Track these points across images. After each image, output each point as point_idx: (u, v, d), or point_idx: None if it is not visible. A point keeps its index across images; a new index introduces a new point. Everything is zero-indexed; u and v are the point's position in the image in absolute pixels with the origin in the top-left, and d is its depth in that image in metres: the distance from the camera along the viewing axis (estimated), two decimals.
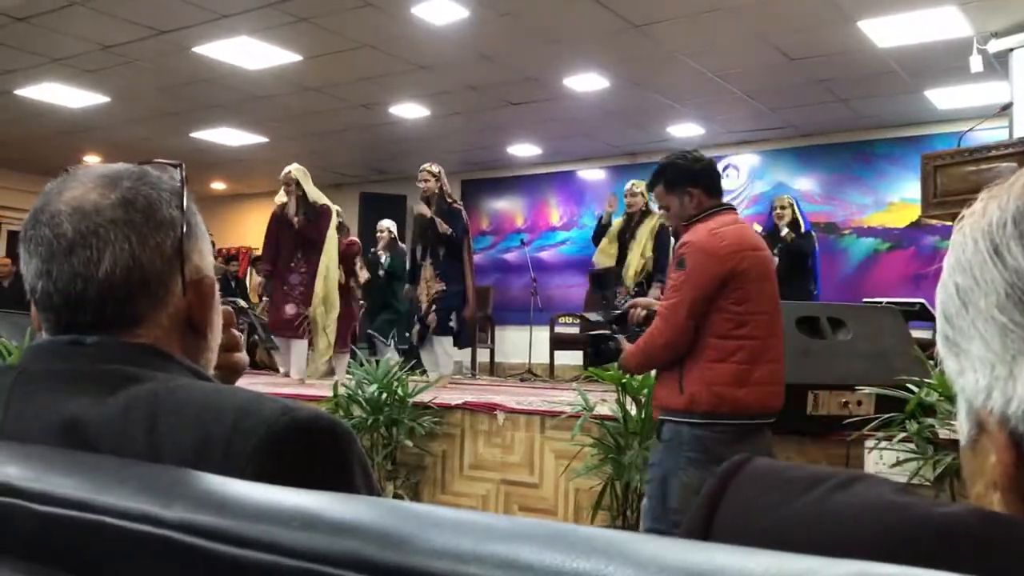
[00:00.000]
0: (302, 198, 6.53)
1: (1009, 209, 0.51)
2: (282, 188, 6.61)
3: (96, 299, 0.85)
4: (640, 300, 3.48)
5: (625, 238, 6.88)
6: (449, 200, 6.48)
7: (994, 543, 0.44)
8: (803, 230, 7.22)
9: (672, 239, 6.66)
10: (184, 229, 0.90)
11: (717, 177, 3.11)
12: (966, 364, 0.52)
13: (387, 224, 8.02)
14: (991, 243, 0.51)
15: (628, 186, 7.05)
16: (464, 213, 6.58)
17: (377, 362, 4.88)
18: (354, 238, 7.72)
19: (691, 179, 3.05)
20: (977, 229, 0.52)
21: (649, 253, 6.71)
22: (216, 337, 0.97)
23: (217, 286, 0.97)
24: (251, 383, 6.08)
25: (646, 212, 6.86)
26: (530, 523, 0.47)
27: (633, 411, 3.82)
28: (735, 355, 2.92)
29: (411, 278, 6.68)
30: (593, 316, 4.12)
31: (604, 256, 7.03)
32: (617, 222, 7.06)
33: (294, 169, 6.60)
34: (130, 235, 0.86)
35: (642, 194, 6.72)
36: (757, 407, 2.96)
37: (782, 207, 7.22)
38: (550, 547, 0.44)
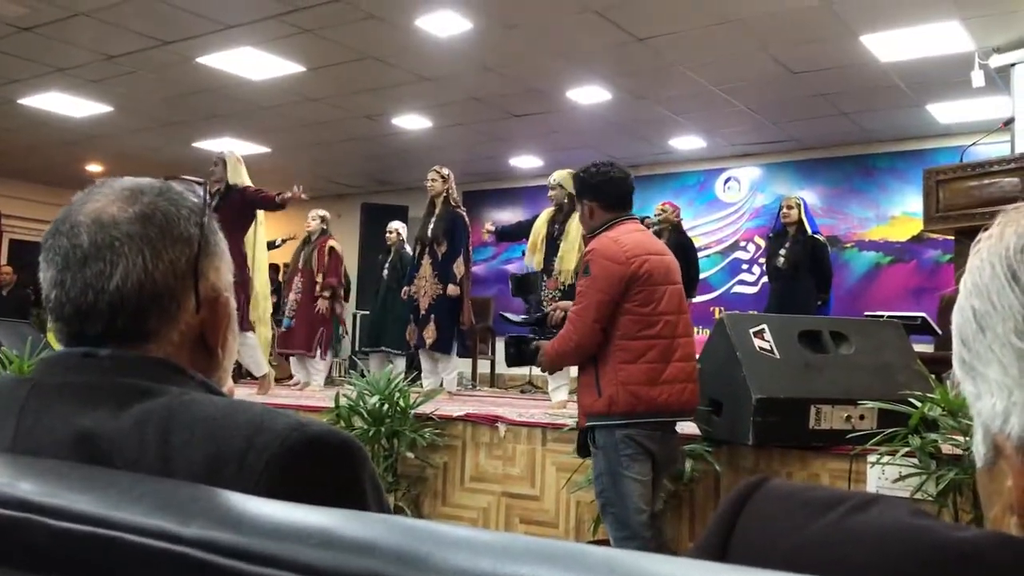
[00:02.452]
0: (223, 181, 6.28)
1: None
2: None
3: (106, 311, 0.85)
4: (561, 303, 3.61)
5: (554, 231, 5.87)
6: (453, 204, 6.48)
7: (1013, 569, 0.44)
8: (810, 232, 7.09)
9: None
10: (200, 246, 0.90)
11: (615, 190, 3.26)
12: (983, 388, 0.52)
13: (396, 225, 7.94)
14: (1008, 268, 0.51)
15: (550, 179, 6.08)
16: (467, 220, 6.58)
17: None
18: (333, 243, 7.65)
19: (585, 192, 3.29)
20: (995, 254, 0.52)
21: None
22: (230, 357, 0.96)
23: (234, 308, 0.96)
24: (249, 394, 6.07)
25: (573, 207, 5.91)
26: (547, 544, 0.47)
27: None
28: (645, 355, 3.11)
29: (409, 280, 6.63)
30: (513, 317, 4.19)
31: (534, 253, 6.01)
32: (545, 214, 6.03)
33: (226, 152, 6.49)
34: (144, 249, 0.86)
35: (561, 185, 5.83)
36: (675, 405, 3.15)
37: (789, 207, 7.09)
38: (568, 568, 0.44)
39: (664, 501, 3.90)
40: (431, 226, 6.40)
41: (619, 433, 3.14)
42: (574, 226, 5.60)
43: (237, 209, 6.17)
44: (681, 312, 3.23)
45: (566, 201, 5.73)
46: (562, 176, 5.77)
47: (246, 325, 6.23)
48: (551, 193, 5.94)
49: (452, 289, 6.26)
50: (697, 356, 3.43)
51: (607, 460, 3.18)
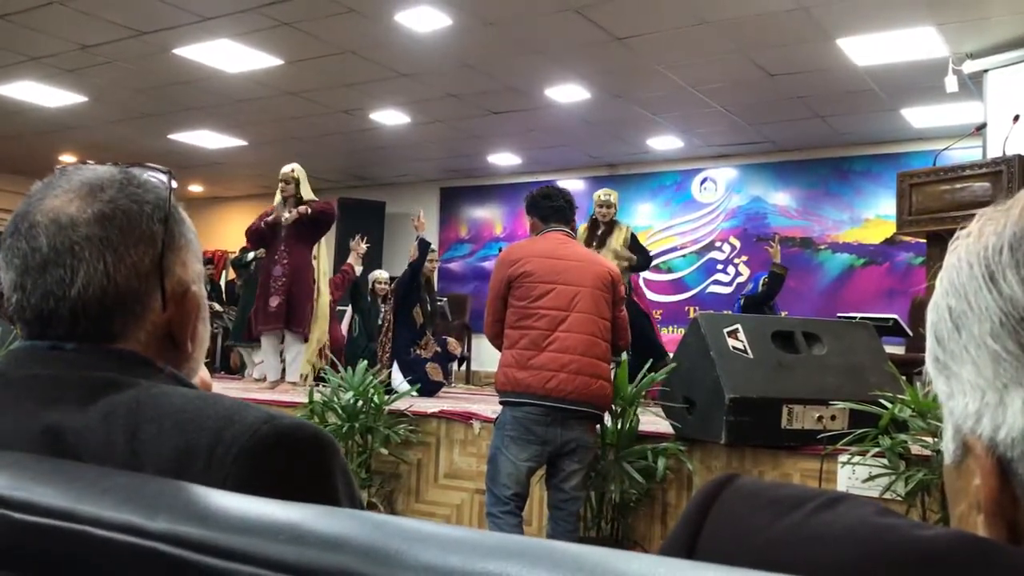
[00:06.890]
0: (298, 198, 6.38)
1: (1005, 235, 0.50)
2: (280, 185, 6.36)
3: (68, 317, 0.84)
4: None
5: (592, 244, 6.38)
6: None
7: (978, 568, 0.45)
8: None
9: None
10: (164, 243, 0.87)
11: (547, 208, 3.69)
12: (956, 388, 0.51)
13: (382, 275, 8.01)
14: (986, 269, 0.50)
15: (602, 196, 6.69)
16: None
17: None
18: None
19: (528, 209, 3.78)
20: (972, 253, 0.51)
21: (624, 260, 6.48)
22: (200, 349, 0.94)
23: (204, 297, 0.94)
24: (226, 388, 6.03)
25: (613, 223, 6.66)
26: (518, 540, 0.47)
27: (609, 422, 3.83)
28: (519, 342, 3.49)
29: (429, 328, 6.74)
30: None
31: None
32: (582, 228, 6.50)
33: (296, 168, 6.50)
34: (105, 252, 0.84)
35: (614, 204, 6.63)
36: (539, 389, 3.41)
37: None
38: (538, 565, 0.44)
39: (635, 499, 3.92)
40: (430, 304, 6.67)
41: (509, 414, 3.48)
42: (612, 239, 6.48)
43: (308, 224, 6.26)
44: (572, 310, 3.46)
45: (613, 220, 6.64)
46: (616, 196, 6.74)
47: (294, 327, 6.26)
48: (606, 210, 6.55)
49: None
50: (612, 352, 3.67)
51: (495, 436, 3.54)
